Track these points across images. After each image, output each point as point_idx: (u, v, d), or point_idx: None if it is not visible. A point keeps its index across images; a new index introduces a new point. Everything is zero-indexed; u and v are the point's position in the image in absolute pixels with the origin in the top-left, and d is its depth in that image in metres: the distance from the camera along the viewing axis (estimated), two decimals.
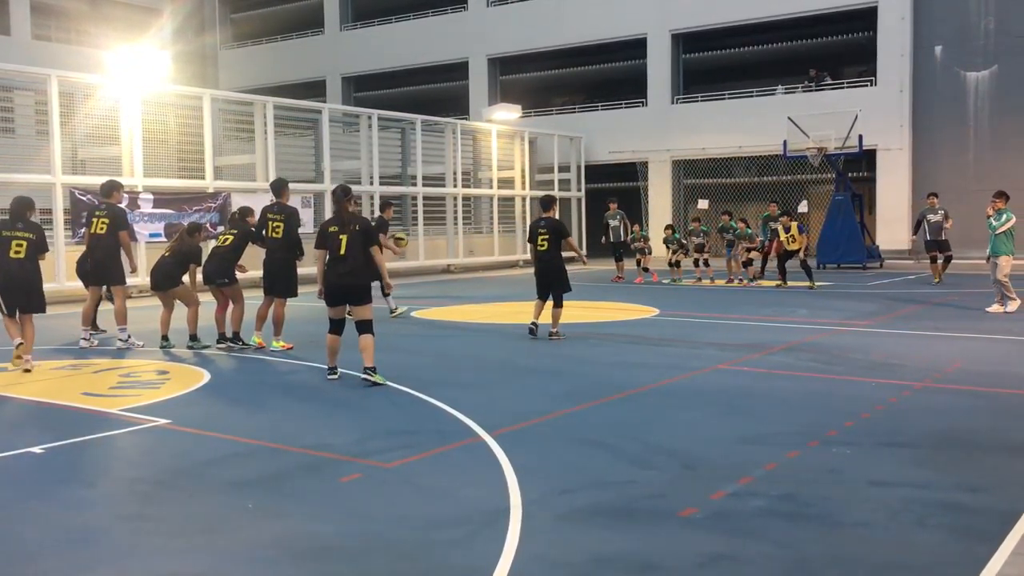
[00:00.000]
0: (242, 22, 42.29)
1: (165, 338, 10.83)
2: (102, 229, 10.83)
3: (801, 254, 18.13)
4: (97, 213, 11.03)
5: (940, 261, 18.45)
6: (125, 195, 17.75)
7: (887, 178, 27.27)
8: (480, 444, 6.10)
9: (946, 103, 26.79)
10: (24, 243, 9.22)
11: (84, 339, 11.12)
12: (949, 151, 26.77)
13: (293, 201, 21.37)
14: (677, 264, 20.21)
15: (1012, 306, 13.14)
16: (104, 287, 11.27)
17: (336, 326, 8.55)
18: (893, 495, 4.95)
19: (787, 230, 18.14)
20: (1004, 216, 13.14)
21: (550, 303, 11.25)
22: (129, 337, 10.96)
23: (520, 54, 34.35)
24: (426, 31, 35.77)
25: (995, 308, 13.18)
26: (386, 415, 7.19)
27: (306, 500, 4.99)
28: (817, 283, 18.18)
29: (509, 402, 7.59)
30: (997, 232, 13.04)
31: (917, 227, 18.79)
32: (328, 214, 21.00)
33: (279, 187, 10.80)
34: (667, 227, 21.14)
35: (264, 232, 10.60)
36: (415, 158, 25.46)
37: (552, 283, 11.17)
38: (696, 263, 20.02)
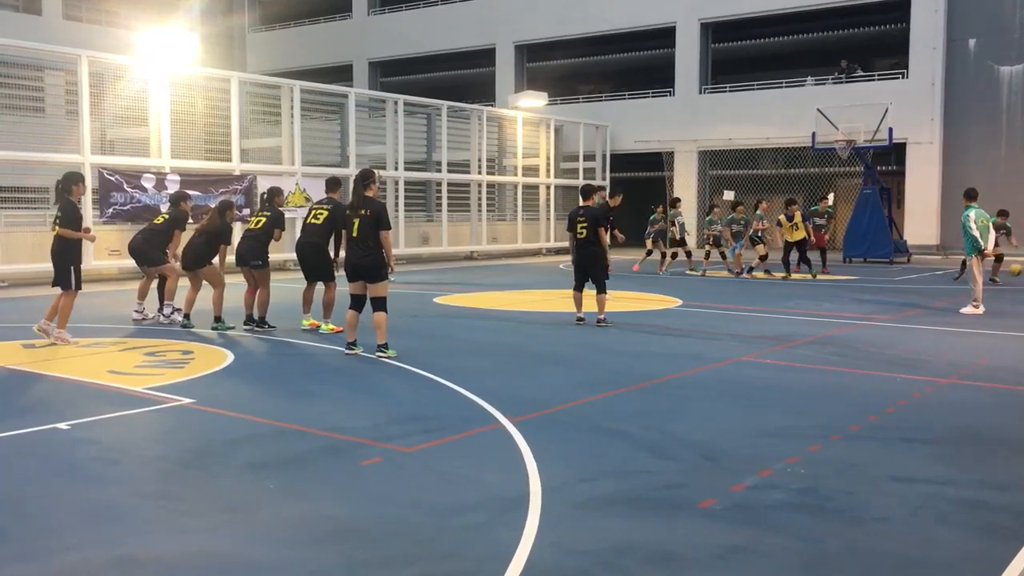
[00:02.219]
0: (270, 5, 42.41)
1: (187, 317, 10.99)
2: (159, 220, 11.76)
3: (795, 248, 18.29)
4: (163, 211, 12.58)
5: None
6: (152, 176, 17.98)
7: (916, 172, 26.99)
8: (500, 431, 6.11)
9: (978, 97, 26.45)
10: (57, 220, 9.59)
11: (136, 312, 11.73)
12: (980, 146, 26.43)
13: (317, 184, 21.54)
14: (688, 255, 20.27)
15: (968, 308, 12.65)
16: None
17: (355, 302, 9.04)
18: (915, 491, 4.92)
19: (790, 218, 18.08)
20: (966, 214, 12.69)
21: (588, 292, 11.35)
22: (173, 312, 11.36)
23: (547, 41, 34.23)
24: (453, 17, 35.71)
25: (968, 309, 12.68)
26: (407, 400, 7.22)
27: (327, 483, 5.02)
28: (836, 277, 18.07)
29: (530, 389, 7.59)
30: (971, 232, 12.53)
31: None
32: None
33: (333, 185, 10.97)
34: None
35: (305, 218, 10.79)
36: (440, 144, 25.47)
37: (590, 270, 11.29)
38: (707, 255, 19.90)
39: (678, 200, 20.71)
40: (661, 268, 19.96)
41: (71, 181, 9.67)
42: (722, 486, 4.95)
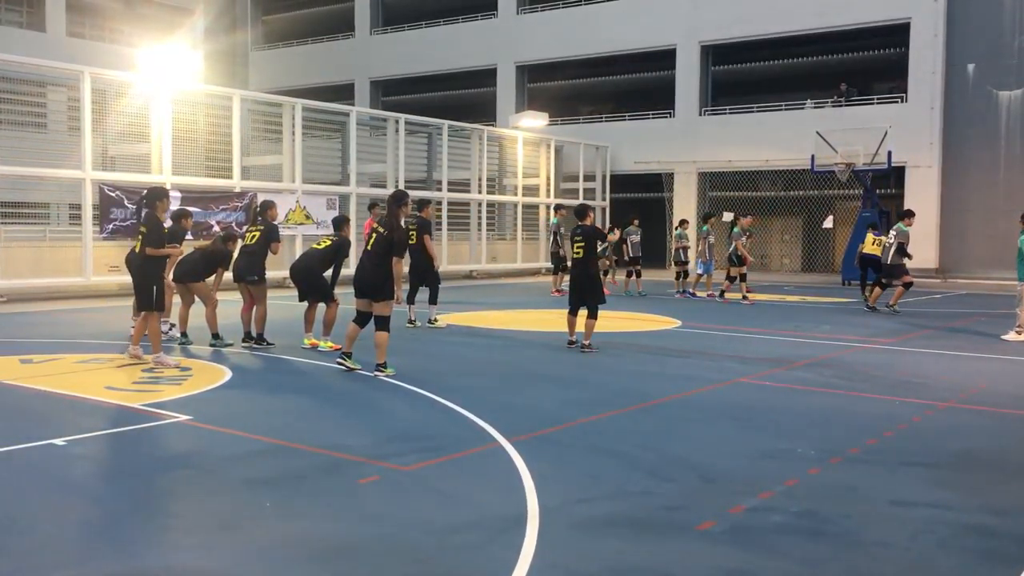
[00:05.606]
0: (273, 23, 42.66)
1: (184, 334, 10.97)
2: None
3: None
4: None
5: None
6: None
7: (915, 196, 27.04)
8: (499, 450, 6.09)
9: (977, 122, 26.56)
10: (140, 237, 9.40)
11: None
12: (979, 170, 26.53)
13: (318, 202, 21.56)
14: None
15: (1011, 335, 12.40)
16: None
17: (360, 318, 9.11)
18: (915, 515, 4.89)
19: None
20: (1023, 238, 12.39)
21: (582, 314, 11.11)
22: (171, 328, 11.27)
23: (548, 62, 34.41)
24: (455, 37, 35.90)
25: (1011, 336, 12.41)
26: (406, 418, 7.20)
27: (324, 500, 5.00)
28: (836, 299, 18.09)
29: (529, 409, 7.57)
30: None
31: None
32: (353, 216, 21.17)
33: (341, 224, 11.05)
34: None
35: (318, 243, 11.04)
36: (441, 163, 25.54)
37: (585, 292, 10.88)
38: (678, 276, 19.91)
39: (685, 222, 20.68)
40: (616, 282, 20.10)
41: (155, 196, 9.44)
42: (721, 508, 4.93)
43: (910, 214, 16.07)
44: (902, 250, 15.60)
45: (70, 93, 19.35)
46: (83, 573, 3.95)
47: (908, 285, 15.80)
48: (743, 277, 18.22)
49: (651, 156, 31.34)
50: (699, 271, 19.53)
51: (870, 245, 17.63)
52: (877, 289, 16.24)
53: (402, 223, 9.01)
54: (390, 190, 23.35)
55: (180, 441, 6.40)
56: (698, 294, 19.50)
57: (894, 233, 15.85)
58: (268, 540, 4.37)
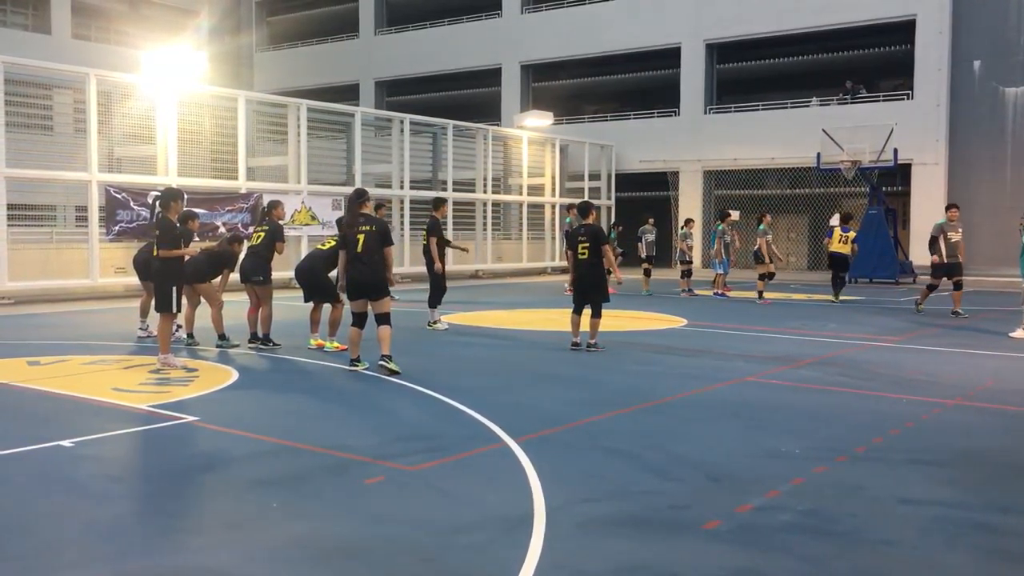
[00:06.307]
0: (278, 24, 42.72)
1: (191, 335, 10.99)
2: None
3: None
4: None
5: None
6: (159, 193, 18.06)
7: (922, 193, 27.00)
8: (504, 450, 6.09)
9: (983, 118, 26.49)
10: (154, 239, 9.45)
11: (141, 329, 11.61)
12: (985, 167, 26.46)
13: (323, 202, 21.57)
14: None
15: (1018, 332, 12.27)
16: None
17: (358, 319, 9.13)
18: (922, 513, 4.88)
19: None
20: None
21: (586, 314, 11.04)
22: (178, 329, 11.18)
23: (553, 61, 34.41)
24: (460, 37, 35.92)
25: (1019, 333, 12.30)
26: (411, 418, 7.20)
27: (329, 501, 5.00)
28: (842, 297, 18.03)
29: (534, 408, 7.57)
30: None
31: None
32: None
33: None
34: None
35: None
36: (446, 163, 25.55)
37: (589, 292, 10.84)
38: (682, 275, 19.87)
39: (690, 221, 20.59)
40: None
41: (170, 198, 9.42)
42: (727, 507, 4.92)
43: (950, 207, 15.01)
44: (931, 243, 14.79)
45: (76, 95, 19.37)
46: (91, 573, 3.96)
47: (932, 288, 15.27)
48: (771, 276, 18.06)
49: (656, 155, 31.32)
50: (719, 270, 19.46)
51: (837, 243, 17.39)
52: (957, 292, 15.06)
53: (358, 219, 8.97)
54: (395, 190, 23.48)
55: (187, 442, 6.41)
56: (710, 293, 19.47)
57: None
58: (274, 540, 4.37)
